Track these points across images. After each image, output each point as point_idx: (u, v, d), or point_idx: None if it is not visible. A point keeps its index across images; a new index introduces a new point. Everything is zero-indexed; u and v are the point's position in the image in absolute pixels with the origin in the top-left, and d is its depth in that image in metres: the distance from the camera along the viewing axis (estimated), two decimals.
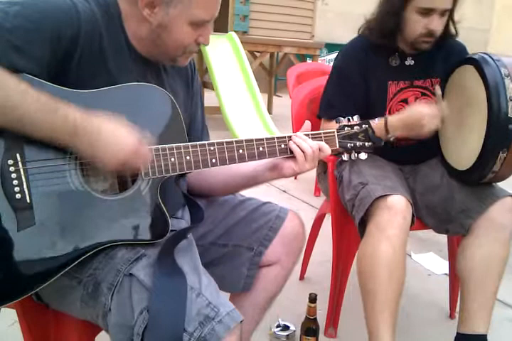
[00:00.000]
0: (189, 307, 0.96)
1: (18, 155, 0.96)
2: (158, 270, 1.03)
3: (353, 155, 1.27)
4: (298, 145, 1.18)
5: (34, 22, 0.96)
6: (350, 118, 1.27)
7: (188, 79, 1.32)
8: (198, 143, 1.12)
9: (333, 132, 1.24)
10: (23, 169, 0.96)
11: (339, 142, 1.25)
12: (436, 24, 1.62)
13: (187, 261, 1.08)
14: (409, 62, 1.76)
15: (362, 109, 1.67)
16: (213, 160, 1.13)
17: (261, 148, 1.18)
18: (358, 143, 1.26)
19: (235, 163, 1.16)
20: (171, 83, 1.24)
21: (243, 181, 1.32)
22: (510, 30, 10.48)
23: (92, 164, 1.01)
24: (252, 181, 1.31)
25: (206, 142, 1.12)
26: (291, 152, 1.19)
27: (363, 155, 1.27)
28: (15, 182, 0.96)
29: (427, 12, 1.60)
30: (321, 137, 1.23)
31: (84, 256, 1.03)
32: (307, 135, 1.21)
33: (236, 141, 1.15)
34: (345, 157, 1.27)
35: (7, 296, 0.98)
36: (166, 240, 1.11)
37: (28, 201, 0.97)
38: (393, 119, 1.62)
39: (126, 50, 1.12)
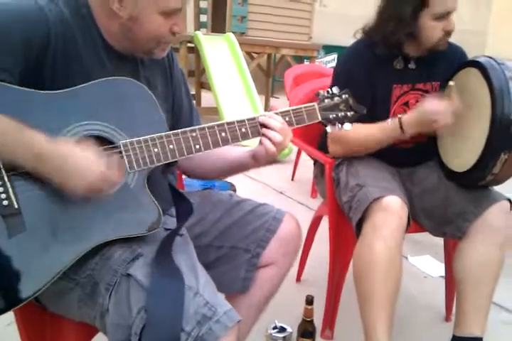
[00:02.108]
0: (187, 307, 0.96)
1: (0, 163, 0.95)
2: (155, 270, 1.03)
3: (337, 127, 1.27)
4: (265, 135, 1.17)
5: (2, 30, 0.96)
6: (329, 89, 1.27)
7: (166, 70, 1.31)
8: (179, 130, 1.11)
9: (314, 105, 1.24)
10: (8, 175, 0.95)
11: (321, 114, 1.25)
12: (453, 24, 1.63)
13: (184, 260, 1.08)
14: (412, 65, 1.76)
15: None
16: (197, 146, 1.12)
17: (243, 129, 1.17)
18: (339, 114, 1.26)
19: (219, 146, 1.15)
20: (147, 75, 1.23)
21: (232, 167, 1.35)
22: (508, 33, 10.50)
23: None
24: (238, 167, 1.33)
25: (188, 129, 1.12)
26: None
27: (348, 125, 1.27)
28: (0, 189, 0.95)
29: (443, 16, 1.61)
30: (301, 111, 1.23)
31: (80, 256, 1.03)
32: (288, 111, 1.22)
33: (218, 125, 1.14)
34: (329, 129, 1.28)
35: (7, 305, 0.97)
36: (162, 239, 1.11)
37: (16, 207, 0.96)
38: (407, 119, 1.63)
39: (101, 47, 1.12)
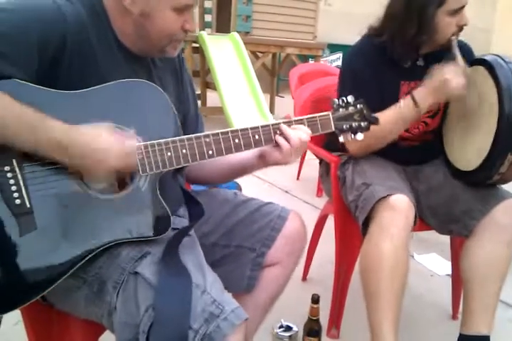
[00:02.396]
0: (194, 305, 0.97)
1: (14, 161, 0.95)
2: (163, 268, 1.03)
3: (350, 136, 1.26)
4: (285, 137, 1.17)
5: (20, 29, 0.96)
6: (344, 98, 1.25)
7: (176, 71, 1.32)
8: (193, 135, 1.10)
9: (328, 115, 1.23)
10: (21, 174, 0.96)
11: (335, 124, 1.24)
12: (466, 18, 1.62)
13: (191, 259, 1.09)
14: (421, 62, 1.75)
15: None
16: (210, 152, 1.12)
17: (257, 136, 1.16)
18: (353, 124, 1.25)
19: (231, 152, 1.14)
20: (160, 76, 1.23)
21: (235, 170, 1.34)
22: None
23: (83, 174, 1.01)
24: (242, 170, 1.33)
25: (202, 134, 1.11)
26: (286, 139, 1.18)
27: (360, 136, 1.26)
28: (13, 188, 0.95)
29: (457, 11, 1.60)
30: (316, 120, 1.22)
31: (89, 257, 1.04)
32: (302, 120, 1.20)
33: (231, 131, 1.14)
34: (342, 139, 1.26)
35: (16, 301, 0.98)
36: (169, 238, 1.11)
37: (28, 206, 0.96)
38: (419, 92, 1.61)
39: (115, 47, 1.12)
